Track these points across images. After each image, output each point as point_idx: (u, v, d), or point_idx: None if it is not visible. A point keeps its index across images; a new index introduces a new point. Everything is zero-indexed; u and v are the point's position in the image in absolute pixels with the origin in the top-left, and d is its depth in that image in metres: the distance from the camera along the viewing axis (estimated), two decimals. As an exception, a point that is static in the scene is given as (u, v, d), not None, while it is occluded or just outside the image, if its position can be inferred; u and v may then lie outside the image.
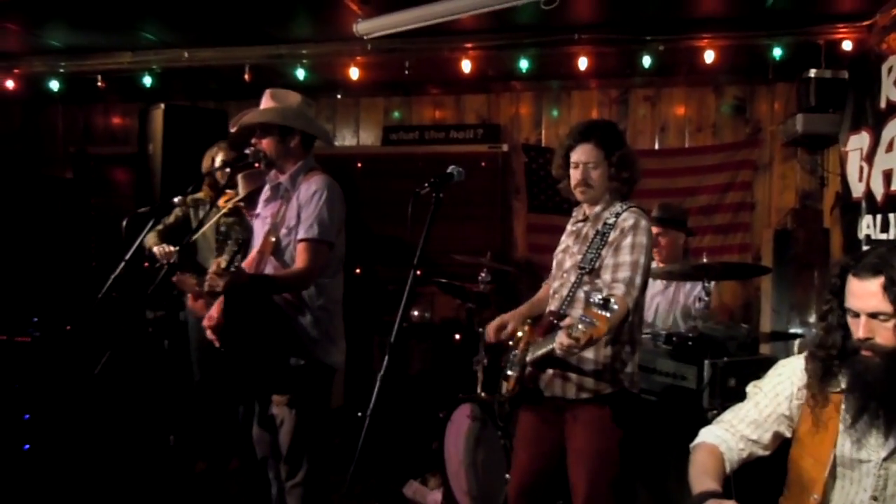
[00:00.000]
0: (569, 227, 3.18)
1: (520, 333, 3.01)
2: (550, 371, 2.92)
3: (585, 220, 3.03)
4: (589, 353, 2.86)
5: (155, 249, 4.33)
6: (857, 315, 1.99)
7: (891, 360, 1.94)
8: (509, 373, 3.02)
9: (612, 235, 2.87)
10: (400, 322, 2.55)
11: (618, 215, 2.91)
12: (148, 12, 5.09)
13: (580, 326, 2.34)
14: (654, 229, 4.32)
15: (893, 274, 1.94)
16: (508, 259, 6.10)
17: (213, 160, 4.56)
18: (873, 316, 1.95)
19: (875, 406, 1.97)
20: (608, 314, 2.26)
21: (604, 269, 2.85)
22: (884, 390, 1.94)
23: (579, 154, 2.95)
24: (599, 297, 2.28)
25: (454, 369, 5.31)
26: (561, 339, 2.50)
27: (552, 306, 3.03)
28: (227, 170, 4.01)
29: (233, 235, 4.36)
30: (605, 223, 2.92)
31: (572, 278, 2.95)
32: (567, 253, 3.06)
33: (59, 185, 7.11)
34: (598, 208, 2.99)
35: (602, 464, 2.87)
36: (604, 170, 2.93)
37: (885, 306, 1.93)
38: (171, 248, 4.28)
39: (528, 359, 2.90)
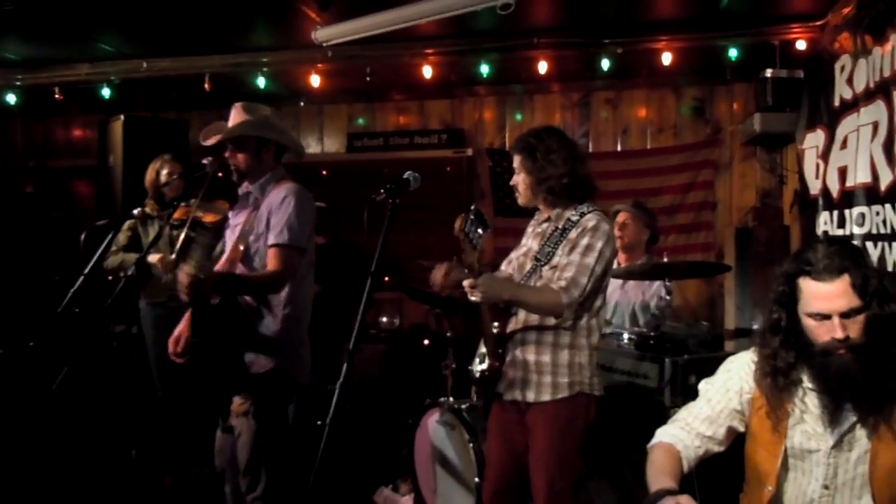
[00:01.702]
0: (529, 230, 3.20)
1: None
2: (511, 374, 2.94)
3: (548, 220, 3.05)
4: (546, 357, 2.89)
5: (152, 258, 4.23)
6: (826, 317, 1.98)
7: (865, 352, 1.97)
8: (478, 368, 3.12)
9: (573, 233, 2.90)
10: (358, 328, 2.55)
11: (582, 214, 2.93)
12: (105, 23, 5.05)
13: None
14: (624, 215, 4.40)
15: (857, 270, 1.96)
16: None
17: (157, 173, 4.53)
18: (846, 315, 1.96)
19: (848, 399, 1.99)
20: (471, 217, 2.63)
21: (557, 266, 2.87)
22: (860, 383, 1.96)
23: (513, 162, 3.07)
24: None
25: (423, 375, 5.30)
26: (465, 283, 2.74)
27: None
28: (179, 181, 3.98)
29: (198, 240, 4.32)
30: (567, 220, 2.95)
31: (533, 280, 2.98)
32: (528, 256, 3.07)
33: (20, 198, 7.00)
34: (557, 209, 3.00)
35: (561, 466, 2.88)
36: (523, 175, 3.00)
37: (856, 302, 1.95)
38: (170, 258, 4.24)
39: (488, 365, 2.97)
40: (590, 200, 3.02)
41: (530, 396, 2.92)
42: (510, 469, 3.03)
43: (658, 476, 2.05)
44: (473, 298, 2.75)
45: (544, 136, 3.00)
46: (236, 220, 3.29)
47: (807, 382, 2.08)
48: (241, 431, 3.12)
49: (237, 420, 3.12)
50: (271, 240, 3.07)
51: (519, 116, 6.35)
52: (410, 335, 6.09)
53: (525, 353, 2.93)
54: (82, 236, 3.93)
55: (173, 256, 2.90)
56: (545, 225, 3.06)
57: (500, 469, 3.06)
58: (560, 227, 2.95)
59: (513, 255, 3.21)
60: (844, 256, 1.98)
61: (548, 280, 2.87)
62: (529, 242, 3.13)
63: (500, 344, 2.98)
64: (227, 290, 3.02)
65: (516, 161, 3.03)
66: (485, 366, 3.07)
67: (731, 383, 2.22)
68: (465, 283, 2.69)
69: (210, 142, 3.25)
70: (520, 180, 3.02)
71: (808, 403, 2.08)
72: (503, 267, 3.23)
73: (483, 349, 3.11)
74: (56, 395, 2.97)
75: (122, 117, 5.57)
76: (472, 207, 2.72)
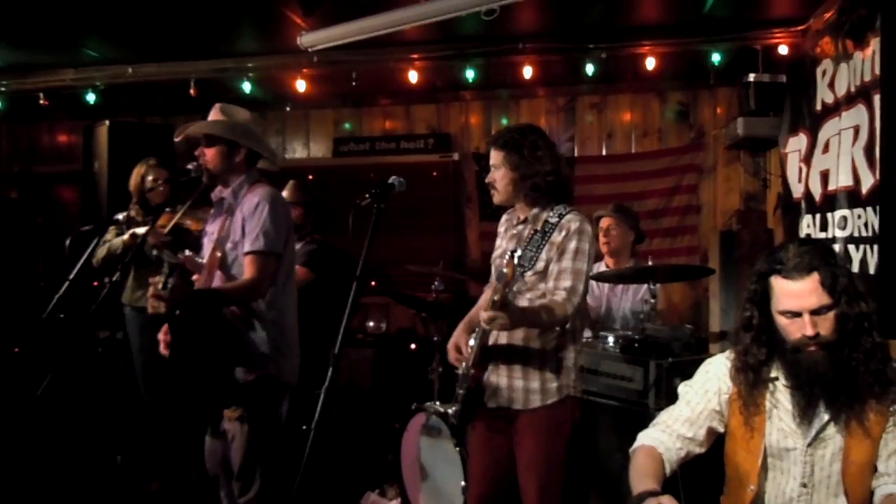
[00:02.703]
0: (501, 231, 3.16)
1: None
2: (496, 381, 2.91)
3: (525, 221, 3.00)
4: (534, 362, 2.87)
5: (138, 231, 4.25)
6: (797, 315, 2.02)
7: (835, 348, 2.01)
8: (459, 391, 3.01)
9: (555, 236, 2.85)
10: (343, 334, 2.55)
11: (561, 216, 2.89)
12: (90, 28, 5.02)
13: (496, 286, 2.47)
14: (608, 220, 4.40)
15: (826, 268, 2.00)
16: (462, 267, 6.13)
17: (141, 178, 4.52)
18: (816, 312, 2.00)
19: (819, 395, 2.03)
20: (514, 262, 2.40)
21: (548, 275, 2.85)
22: (831, 379, 2.00)
23: (490, 158, 3.00)
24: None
25: (410, 379, 5.31)
26: (482, 314, 2.60)
27: None
28: (164, 185, 3.97)
29: (165, 257, 4.31)
30: (546, 222, 2.90)
31: None
32: (505, 257, 3.04)
33: (5, 204, 6.96)
34: (535, 209, 2.96)
35: (551, 471, 2.87)
36: (504, 171, 2.93)
37: (826, 299, 1.99)
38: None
39: (469, 364, 2.90)
40: (565, 202, 2.98)
41: (518, 404, 2.89)
42: (495, 479, 3.00)
43: (640, 478, 2.07)
44: (487, 327, 2.68)
45: (528, 133, 2.97)
46: (211, 227, 3.28)
47: (781, 379, 2.12)
48: (234, 436, 3.11)
49: (230, 424, 3.12)
50: (247, 247, 3.05)
51: (505, 121, 6.36)
52: (397, 339, 6.09)
53: (512, 359, 2.90)
54: (67, 242, 3.91)
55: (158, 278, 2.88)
56: (521, 227, 3.01)
57: (485, 479, 3.03)
58: (539, 229, 2.90)
59: (493, 256, 3.17)
60: (814, 255, 2.02)
61: (547, 292, 2.83)
62: (504, 244, 3.09)
63: (484, 354, 2.92)
64: (206, 306, 3.00)
65: (497, 157, 2.95)
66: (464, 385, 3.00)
67: (710, 384, 2.25)
68: (485, 315, 2.55)
69: (179, 137, 3.24)
70: (499, 176, 2.94)
71: (780, 400, 2.12)
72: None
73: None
74: (41, 400, 2.96)
75: (107, 123, 5.55)
76: (515, 252, 2.55)
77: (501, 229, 3.17)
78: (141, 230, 4.18)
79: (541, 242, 2.86)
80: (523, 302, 2.87)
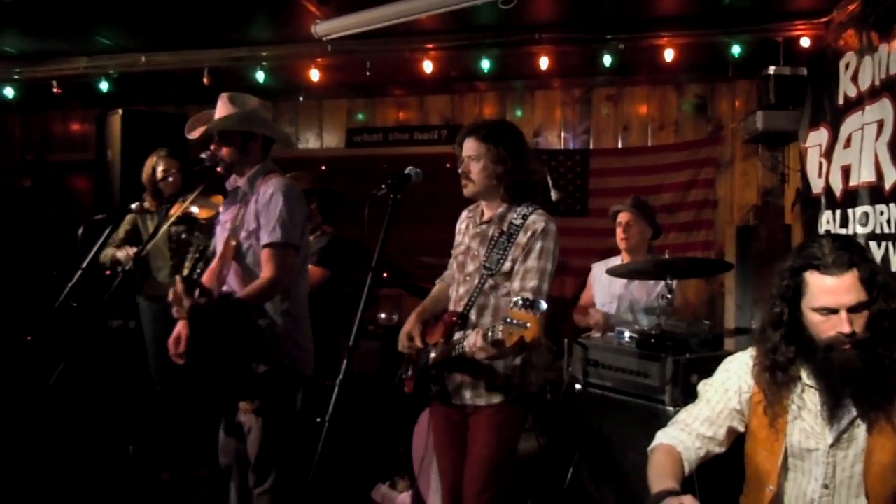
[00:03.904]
0: (462, 227, 3.13)
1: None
2: (459, 378, 2.88)
3: (489, 221, 2.95)
4: (496, 363, 2.80)
5: (119, 254, 4.31)
6: (833, 311, 1.97)
7: (867, 347, 1.97)
8: (405, 376, 3.01)
9: (521, 237, 2.82)
10: (358, 325, 2.52)
11: (525, 216, 2.86)
12: (104, 17, 5.01)
13: (499, 328, 2.36)
14: (626, 216, 4.36)
15: (864, 264, 1.97)
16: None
17: (153, 169, 4.53)
18: (853, 309, 1.96)
19: (847, 395, 1.99)
20: (537, 314, 2.26)
21: (513, 274, 2.81)
22: (863, 379, 1.96)
23: (464, 148, 2.94)
24: (523, 298, 2.31)
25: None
26: (475, 341, 2.56)
27: (455, 309, 2.97)
28: (177, 175, 3.96)
29: (193, 242, 4.31)
30: (510, 223, 2.86)
31: (476, 280, 2.90)
32: (469, 255, 2.99)
33: (18, 193, 6.98)
34: (500, 209, 2.92)
35: (499, 470, 2.84)
36: (485, 163, 2.86)
37: (864, 296, 1.96)
38: (131, 251, 4.26)
39: (430, 360, 2.87)
40: (530, 201, 2.93)
41: (481, 400, 2.86)
42: (461, 467, 2.96)
43: (659, 477, 2.04)
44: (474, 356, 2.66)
45: (512, 130, 2.95)
46: (225, 217, 3.26)
47: (806, 379, 2.07)
48: (251, 427, 3.10)
49: (246, 416, 3.10)
50: (265, 239, 3.03)
51: (519, 112, 6.32)
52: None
53: (476, 362, 2.79)
54: (80, 231, 3.90)
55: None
56: (485, 227, 2.96)
57: (455, 475, 2.98)
58: (504, 230, 2.86)
59: (453, 254, 3.13)
60: (852, 251, 1.98)
61: (513, 294, 2.77)
62: (467, 241, 3.03)
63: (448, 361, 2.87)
64: (230, 316, 2.97)
65: (477, 148, 2.88)
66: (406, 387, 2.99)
67: (730, 383, 2.21)
68: (478, 348, 2.56)
69: (194, 135, 3.22)
70: (477, 168, 2.88)
71: (806, 400, 2.08)
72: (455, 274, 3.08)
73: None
74: (53, 390, 2.95)
75: (120, 111, 5.54)
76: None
77: (462, 226, 3.13)
78: (122, 253, 4.26)
79: (507, 244, 2.84)
80: (491, 302, 2.86)
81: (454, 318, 2.89)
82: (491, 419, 2.85)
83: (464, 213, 3.16)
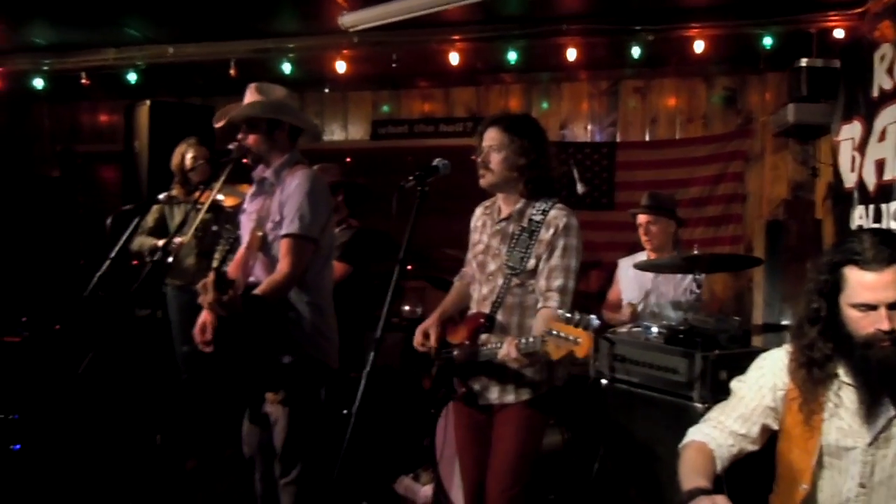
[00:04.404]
0: (478, 225, 3.06)
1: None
2: (485, 379, 2.85)
3: (508, 218, 2.89)
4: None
5: (160, 243, 4.34)
6: (872, 308, 1.94)
7: None
8: (427, 373, 2.99)
9: (543, 234, 2.77)
10: (385, 317, 2.50)
11: (545, 212, 2.80)
12: (132, 8, 5.06)
13: (541, 341, 2.34)
14: (644, 218, 4.31)
15: None
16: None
17: (182, 157, 4.55)
18: (893, 306, 1.92)
19: (886, 393, 1.95)
20: (590, 331, 2.24)
21: (538, 273, 2.77)
22: None
23: (485, 138, 2.88)
24: (571, 314, 2.29)
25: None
26: (507, 352, 2.51)
27: (480, 309, 2.92)
28: (205, 165, 3.98)
29: (224, 234, 4.33)
30: (530, 219, 2.81)
31: (500, 280, 2.84)
32: (489, 254, 2.93)
33: (47, 183, 7.06)
34: (519, 204, 2.86)
35: (524, 467, 2.82)
36: (506, 154, 2.81)
37: None
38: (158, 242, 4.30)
39: (454, 360, 2.84)
40: (549, 196, 2.87)
41: (509, 397, 2.83)
42: (485, 468, 2.92)
43: (691, 475, 2.01)
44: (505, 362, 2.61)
45: (535, 124, 2.90)
46: (252, 207, 3.25)
47: (843, 377, 2.04)
48: (277, 418, 3.10)
49: (272, 407, 3.10)
50: (283, 229, 3.02)
51: (545, 105, 6.28)
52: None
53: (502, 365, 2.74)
54: (108, 221, 3.93)
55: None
56: (504, 224, 2.90)
57: (477, 474, 2.95)
58: (525, 226, 2.81)
59: (470, 254, 3.08)
60: (893, 246, 1.94)
61: (539, 293, 2.76)
62: (486, 239, 2.97)
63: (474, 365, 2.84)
64: (252, 314, 2.96)
65: (500, 138, 2.82)
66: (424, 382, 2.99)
67: (765, 380, 2.18)
68: (511, 357, 2.52)
69: (220, 123, 3.22)
70: (499, 158, 2.82)
71: (843, 398, 2.04)
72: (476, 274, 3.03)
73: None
74: (82, 378, 2.97)
75: (147, 103, 5.57)
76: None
77: (478, 223, 3.07)
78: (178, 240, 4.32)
79: (529, 241, 2.79)
80: (517, 301, 2.81)
81: (481, 320, 2.85)
82: (519, 415, 2.82)
83: (478, 211, 3.10)
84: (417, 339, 2.97)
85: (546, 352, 2.35)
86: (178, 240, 4.24)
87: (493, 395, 2.85)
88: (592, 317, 2.24)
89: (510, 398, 2.83)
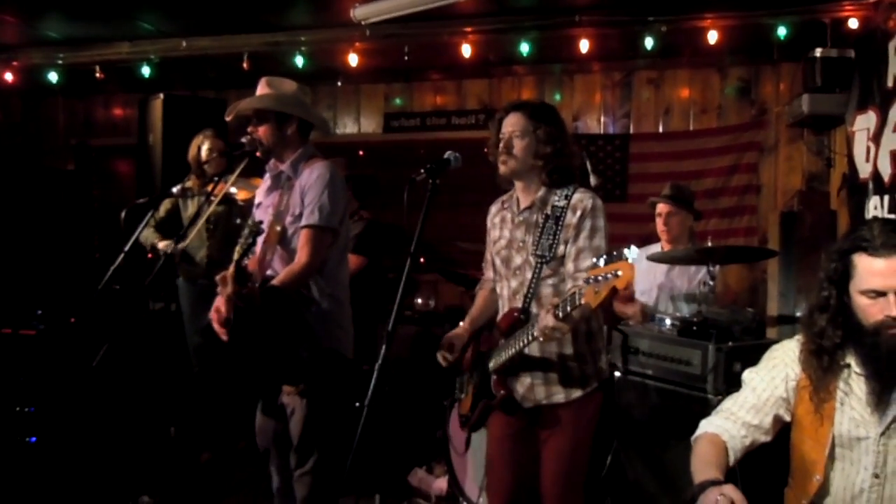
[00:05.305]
0: (497, 221, 2.97)
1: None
2: (528, 379, 2.76)
3: (530, 207, 2.80)
4: (568, 348, 2.71)
5: (161, 245, 4.37)
6: (881, 294, 1.93)
7: None
8: (462, 395, 2.93)
9: (569, 218, 2.70)
10: (397, 310, 2.50)
11: (568, 197, 2.72)
12: (145, 2, 5.09)
13: (577, 294, 2.21)
14: (665, 208, 4.27)
15: None
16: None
17: (198, 149, 4.57)
18: None
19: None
20: (629, 258, 2.09)
21: (566, 256, 2.70)
22: None
23: (506, 124, 2.77)
24: (602, 254, 2.19)
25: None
26: (545, 322, 2.35)
27: (513, 305, 2.81)
28: (219, 158, 3.99)
29: (246, 227, 4.35)
30: (554, 206, 2.73)
31: (528, 273, 2.75)
32: (513, 247, 2.84)
33: (61, 177, 7.10)
34: (540, 193, 2.77)
35: (578, 464, 2.79)
36: (529, 141, 2.72)
37: None
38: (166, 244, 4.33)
39: (491, 368, 2.77)
40: (570, 183, 2.80)
41: (558, 397, 2.74)
42: (521, 483, 2.86)
43: (703, 467, 2.01)
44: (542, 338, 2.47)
45: (556, 112, 2.83)
46: (268, 201, 3.26)
47: (854, 366, 2.03)
48: (294, 409, 3.11)
49: (289, 398, 3.12)
50: (303, 220, 3.04)
51: (558, 96, 6.26)
52: (446, 316, 6.05)
53: (545, 347, 2.71)
54: (122, 214, 3.95)
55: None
56: (527, 214, 2.81)
57: (511, 484, 2.87)
58: (549, 213, 2.73)
59: (489, 254, 3.00)
60: None
61: (568, 276, 2.69)
62: (508, 234, 2.88)
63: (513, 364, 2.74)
64: (271, 305, 2.97)
65: (525, 124, 2.73)
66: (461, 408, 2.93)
67: (777, 371, 2.17)
68: (549, 326, 2.35)
69: (229, 117, 3.23)
70: (523, 145, 2.72)
71: (853, 386, 2.03)
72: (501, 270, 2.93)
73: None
74: (96, 371, 2.99)
75: (161, 96, 5.60)
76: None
77: (496, 220, 2.97)
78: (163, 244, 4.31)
79: (555, 228, 2.70)
80: (547, 289, 2.73)
81: (515, 314, 2.75)
82: (574, 415, 2.74)
83: (493, 208, 3.02)
84: (442, 351, 2.91)
85: (586, 303, 2.21)
86: (180, 246, 4.28)
87: (540, 394, 2.75)
88: (626, 249, 2.10)
89: (559, 397, 2.73)
